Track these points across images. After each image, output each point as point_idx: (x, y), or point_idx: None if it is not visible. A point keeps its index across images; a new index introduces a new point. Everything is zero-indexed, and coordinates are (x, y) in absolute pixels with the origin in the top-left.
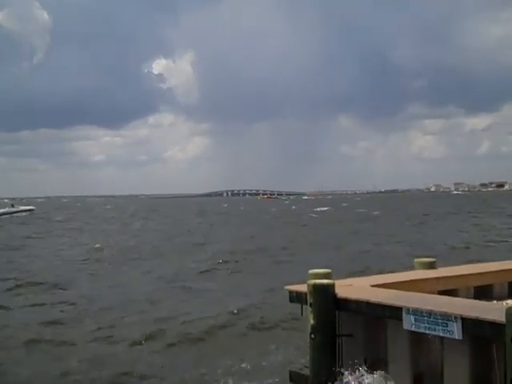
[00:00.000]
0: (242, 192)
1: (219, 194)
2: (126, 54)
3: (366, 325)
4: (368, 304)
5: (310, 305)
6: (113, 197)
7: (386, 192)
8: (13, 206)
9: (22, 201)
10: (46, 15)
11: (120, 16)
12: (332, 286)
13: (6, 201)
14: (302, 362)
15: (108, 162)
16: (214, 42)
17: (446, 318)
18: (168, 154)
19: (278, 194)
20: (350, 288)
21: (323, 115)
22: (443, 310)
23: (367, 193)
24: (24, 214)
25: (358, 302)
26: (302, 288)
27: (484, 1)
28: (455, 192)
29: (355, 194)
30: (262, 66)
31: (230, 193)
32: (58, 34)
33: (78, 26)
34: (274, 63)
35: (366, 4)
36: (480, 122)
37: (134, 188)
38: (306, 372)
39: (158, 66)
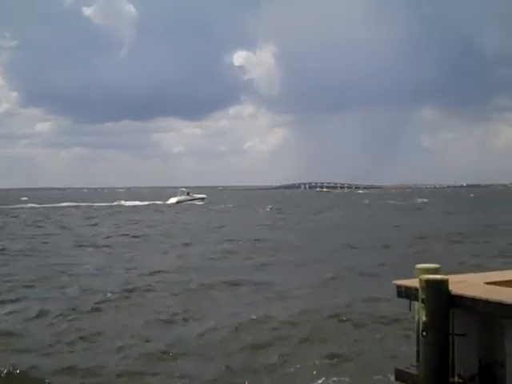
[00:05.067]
0: (319, 185)
1: (296, 187)
2: (208, 45)
3: (481, 324)
4: (486, 302)
5: (422, 301)
6: (192, 188)
7: (467, 187)
8: (188, 194)
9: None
10: (132, 9)
11: (202, 8)
12: (446, 282)
13: (182, 189)
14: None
15: (187, 153)
16: (294, 33)
17: None
18: (247, 145)
19: (356, 187)
20: (465, 284)
21: (405, 106)
22: None
23: (448, 187)
24: (199, 202)
25: (474, 300)
26: (412, 283)
27: None
28: None
29: (435, 188)
30: (342, 57)
31: (307, 185)
32: (143, 28)
33: (162, 18)
34: (355, 53)
35: None
36: None
37: (212, 179)
38: (413, 371)
39: (239, 57)
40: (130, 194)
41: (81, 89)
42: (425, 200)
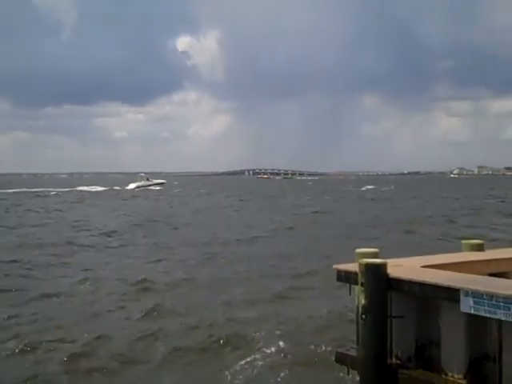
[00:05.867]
0: (263, 171)
1: (241, 173)
2: (151, 30)
3: (418, 306)
4: (422, 285)
5: (362, 284)
6: (134, 174)
7: (408, 174)
8: (148, 179)
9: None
10: None
11: None
12: (384, 266)
13: (142, 174)
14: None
15: (131, 138)
16: (239, 19)
17: (510, 301)
18: (191, 131)
19: (300, 174)
20: (402, 268)
21: (348, 94)
22: (507, 292)
23: (390, 174)
24: (157, 187)
25: (411, 283)
26: (352, 267)
27: None
28: (452, 176)
29: (377, 175)
30: (286, 45)
31: (251, 172)
32: (86, 10)
33: (105, 1)
34: (299, 41)
35: None
36: (508, 104)
37: (156, 165)
38: (353, 353)
39: (183, 43)
40: (75, 179)
41: (21, 71)
42: (373, 187)
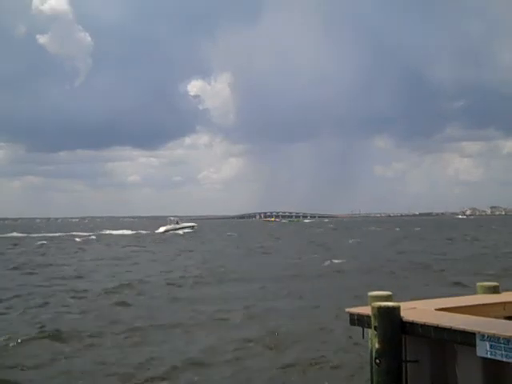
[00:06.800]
0: (274, 214)
1: (252, 216)
2: (163, 75)
3: (433, 350)
4: (437, 328)
5: (375, 328)
6: (146, 218)
7: (420, 215)
8: (177, 222)
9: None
10: (88, 38)
11: (158, 37)
12: (398, 309)
13: (171, 218)
14: None
15: (143, 182)
16: (251, 63)
17: None
18: (202, 175)
19: (311, 216)
20: (415, 311)
21: (360, 137)
22: None
23: (401, 215)
24: (187, 230)
25: (425, 326)
26: (365, 310)
27: None
28: (460, 216)
29: (389, 216)
30: (298, 88)
31: (262, 215)
32: (99, 56)
33: (118, 48)
34: (311, 85)
35: (404, 25)
36: None
37: (167, 209)
38: None
39: (195, 87)
40: (87, 224)
41: (35, 117)
42: (397, 229)
